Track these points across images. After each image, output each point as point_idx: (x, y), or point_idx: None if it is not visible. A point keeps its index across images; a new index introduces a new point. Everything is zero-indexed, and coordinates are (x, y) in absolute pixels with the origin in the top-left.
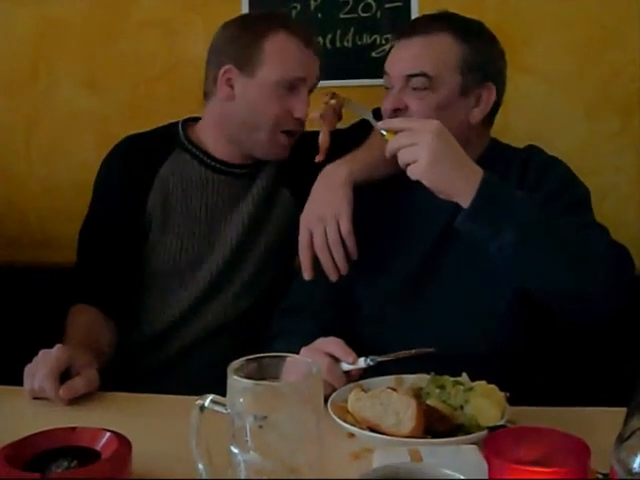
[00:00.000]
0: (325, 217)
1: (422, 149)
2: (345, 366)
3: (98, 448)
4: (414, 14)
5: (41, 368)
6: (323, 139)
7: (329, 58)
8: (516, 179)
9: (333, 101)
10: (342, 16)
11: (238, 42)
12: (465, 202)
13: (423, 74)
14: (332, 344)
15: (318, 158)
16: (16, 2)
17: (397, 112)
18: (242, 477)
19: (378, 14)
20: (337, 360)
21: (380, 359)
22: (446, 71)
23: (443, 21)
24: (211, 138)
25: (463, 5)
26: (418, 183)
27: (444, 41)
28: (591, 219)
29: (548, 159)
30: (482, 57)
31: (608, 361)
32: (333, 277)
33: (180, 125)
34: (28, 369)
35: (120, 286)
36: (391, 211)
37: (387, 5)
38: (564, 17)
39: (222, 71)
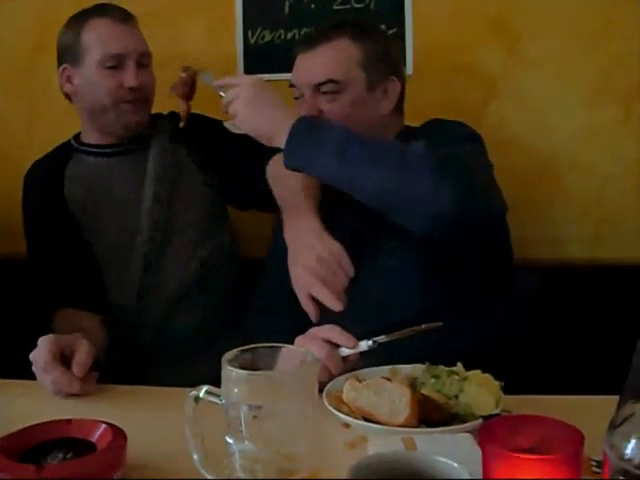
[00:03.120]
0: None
1: (241, 100)
2: (344, 351)
3: (93, 440)
4: (408, 5)
5: (40, 357)
6: (181, 108)
7: None
8: None
9: (184, 74)
10: (336, 7)
11: (65, 42)
12: (281, 142)
13: (331, 80)
14: (329, 331)
15: (181, 124)
16: None
17: None
18: (237, 467)
19: (372, 5)
20: (335, 346)
21: (381, 340)
22: (351, 71)
23: (340, 27)
24: (90, 133)
25: None
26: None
27: (344, 44)
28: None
29: (445, 122)
30: (380, 51)
31: (601, 349)
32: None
33: (73, 136)
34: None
35: (82, 282)
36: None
37: None
38: (565, 7)
39: (60, 71)
